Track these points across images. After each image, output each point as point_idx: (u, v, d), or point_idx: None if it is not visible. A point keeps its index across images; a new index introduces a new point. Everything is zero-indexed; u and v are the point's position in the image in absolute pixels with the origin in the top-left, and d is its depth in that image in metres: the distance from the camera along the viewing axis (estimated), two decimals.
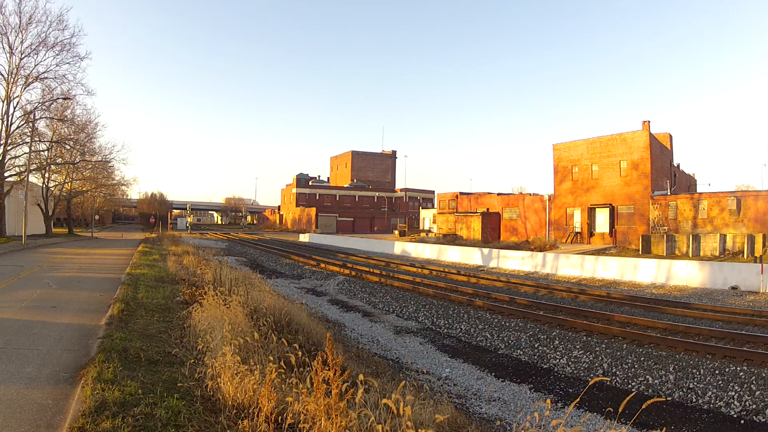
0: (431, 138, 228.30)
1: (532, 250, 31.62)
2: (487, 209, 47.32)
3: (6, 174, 33.08)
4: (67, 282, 13.14)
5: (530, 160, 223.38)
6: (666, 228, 33.80)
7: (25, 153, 34.41)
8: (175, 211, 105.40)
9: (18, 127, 33.52)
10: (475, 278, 21.82)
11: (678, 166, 47.01)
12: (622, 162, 37.30)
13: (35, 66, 32.89)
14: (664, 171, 39.20)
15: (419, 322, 13.77)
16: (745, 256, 26.36)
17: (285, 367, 4.62)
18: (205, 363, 5.15)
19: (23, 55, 32.05)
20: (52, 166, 40.42)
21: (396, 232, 62.24)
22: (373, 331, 12.64)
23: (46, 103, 34.66)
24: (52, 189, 43.98)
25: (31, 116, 32.70)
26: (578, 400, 5.79)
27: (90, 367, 5.19)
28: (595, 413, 7.29)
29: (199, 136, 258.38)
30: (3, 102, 32.23)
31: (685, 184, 47.30)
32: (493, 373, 9.39)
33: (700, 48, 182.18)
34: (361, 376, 3.68)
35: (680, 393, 7.98)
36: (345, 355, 7.96)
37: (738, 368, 8.28)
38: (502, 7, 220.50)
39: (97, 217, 67.86)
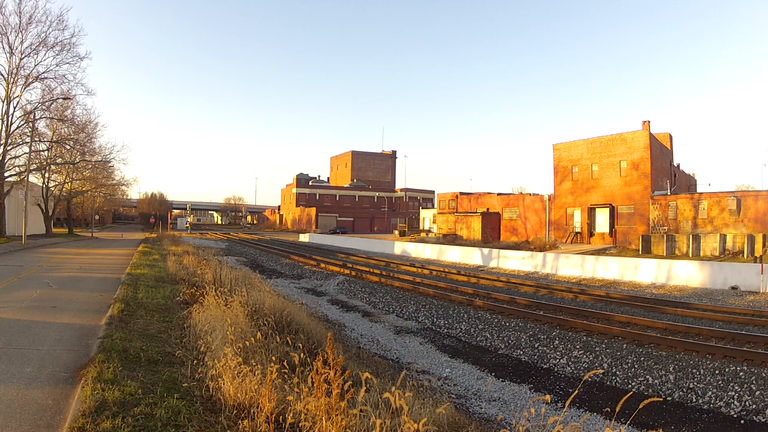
0: (431, 138, 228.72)
1: (532, 250, 31.62)
2: (487, 209, 47.32)
3: (6, 174, 33.07)
4: (67, 282, 13.13)
5: (530, 160, 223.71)
6: (666, 228, 33.80)
7: (25, 153, 34.47)
8: (175, 211, 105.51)
9: (18, 127, 33.53)
10: (475, 278, 21.82)
11: (678, 166, 47.01)
12: (622, 162, 37.30)
13: (35, 66, 32.94)
14: (664, 171, 39.21)
15: (419, 322, 13.76)
16: (745, 256, 26.36)
17: (286, 367, 4.62)
18: (206, 363, 5.14)
19: (23, 55, 32.07)
20: (52, 166, 40.44)
21: (396, 232, 62.24)
22: (373, 331, 12.64)
23: (46, 103, 34.68)
24: (52, 189, 43.99)
25: (31, 116, 32.70)
26: (572, 397, 5.79)
27: (90, 367, 5.18)
28: (595, 413, 7.31)
29: (200, 136, 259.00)
30: (3, 102, 32.26)
31: (685, 184, 47.30)
32: (493, 373, 9.40)
33: (701, 48, 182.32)
34: (367, 374, 3.69)
35: (680, 393, 7.98)
36: (345, 355, 7.96)
37: (738, 368, 8.27)
38: (503, 6, 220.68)
39: (97, 217, 67.86)
